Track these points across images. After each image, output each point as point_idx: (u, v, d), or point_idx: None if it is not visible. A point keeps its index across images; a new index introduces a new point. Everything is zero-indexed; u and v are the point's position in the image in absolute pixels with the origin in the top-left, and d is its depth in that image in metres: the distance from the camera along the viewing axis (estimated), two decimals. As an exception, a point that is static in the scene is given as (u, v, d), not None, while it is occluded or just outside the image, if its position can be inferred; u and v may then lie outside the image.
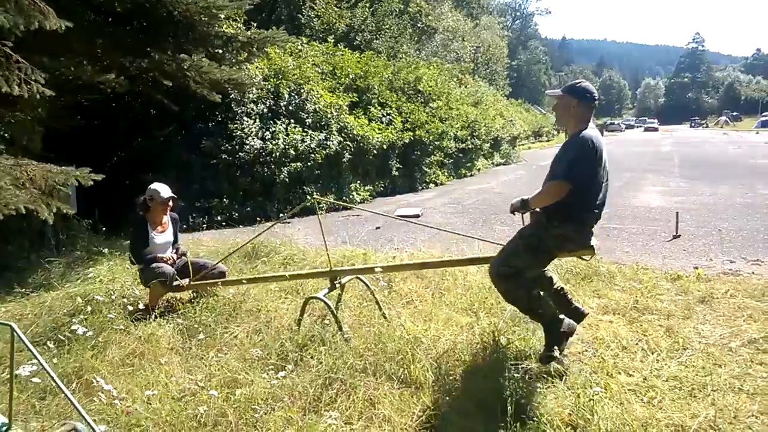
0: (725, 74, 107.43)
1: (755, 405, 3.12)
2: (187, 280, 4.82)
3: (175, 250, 5.02)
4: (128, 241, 7.35)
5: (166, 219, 4.99)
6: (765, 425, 2.94)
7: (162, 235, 4.92)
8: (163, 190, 4.85)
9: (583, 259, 3.66)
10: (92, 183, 4.91)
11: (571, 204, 3.23)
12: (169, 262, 4.82)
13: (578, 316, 3.65)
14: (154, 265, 4.70)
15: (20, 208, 4.19)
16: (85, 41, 6.36)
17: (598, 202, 3.35)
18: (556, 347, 3.37)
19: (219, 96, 7.82)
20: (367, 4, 20.96)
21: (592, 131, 3.30)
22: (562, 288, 3.80)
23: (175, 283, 4.77)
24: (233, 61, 8.36)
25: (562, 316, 3.46)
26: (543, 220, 3.39)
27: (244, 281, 4.82)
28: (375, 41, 20.39)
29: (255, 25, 11.26)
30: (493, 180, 17.13)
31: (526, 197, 3.46)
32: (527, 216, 3.58)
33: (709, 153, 25.33)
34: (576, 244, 3.43)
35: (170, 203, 4.90)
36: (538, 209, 3.46)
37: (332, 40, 16.07)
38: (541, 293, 3.55)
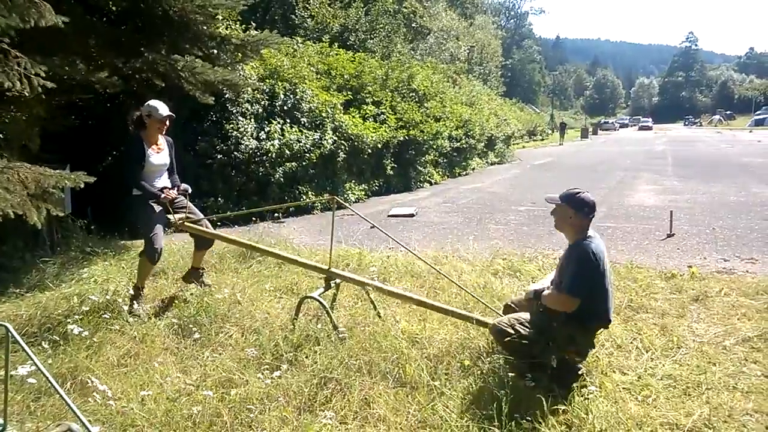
0: (719, 73, 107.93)
1: (750, 403, 3.14)
2: (180, 216, 4.73)
3: (176, 188, 4.83)
4: (123, 241, 7.38)
5: (162, 140, 4.76)
6: (759, 423, 2.96)
7: (158, 156, 4.69)
8: (162, 107, 4.60)
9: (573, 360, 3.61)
10: (83, 185, 4.83)
11: (582, 313, 3.23)
12: (169, 197, 4.65)
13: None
14: (152, 235, 4.51)
15: (8, 213, 4.13)
16: (78, 41, 6.33)
17: (605, 309, 3.33)
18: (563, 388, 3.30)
19: (212, 98, 7.78)
20: (361, 4, 20.87)
21: (591, 241, 3.29)
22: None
23: (168, 215, 4.66)
24: (227, 62, 8.35)
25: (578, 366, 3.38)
26: (559, 325, 3.30)
27: (241, 242, 4.79)
28: (369, 41, 20.31)
29: (254, 26, 11.25)
30: (487, 179, 17.16)
31: (540, 290, 3.46)
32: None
33: (702, 152, 25.45)
34: (577, 347, 3.36)
35: (167, 122, 4.69)
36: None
37: (327, 40, 16.04)
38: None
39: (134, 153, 4.57)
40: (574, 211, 3.33)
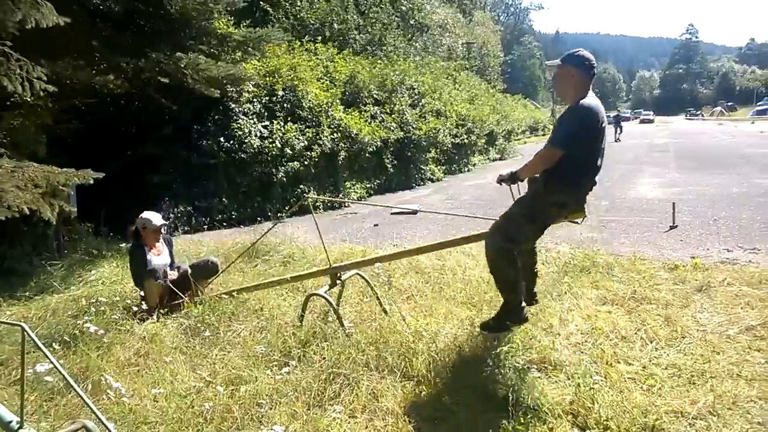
0: (720, 65, 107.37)
1: (753, 390, 3.16)
2: (189, 292, 4.86)
3: (177, 269, 5.05)
4: (129, 243, 7.43)
5: (160, 243, 5.05)
6: (763, 410, 2.99)
7: (159, 258, 4.97)
8: (155, 218, 4.92)
9: (574, 222, 3.67)
10: (93, 181, 4.92)
11: (570, 171, 3.28)
12: (171, 277, 4.86)
13: (530, 300, 3.80)
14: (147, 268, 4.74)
15: (23, 209, 4.21)
16: (82, 44, 6.38)
17: (596, 168, 3.41)
18: (505, 324, 3.51)
19: (217, 91, 7.84)
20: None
21: (591, 99, 3.34)
22: (537, 272, 3.92)
23: (176, 302, 4.77)
24: (229, 60, 8.41)
25: (523, 305, 3.53)
26: (540, 188, 3.39)
27: (247, 289, 4.86)
28: (357, 35, 19.99)
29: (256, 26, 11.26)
30: (489, 175, 17.12)
31: (515, 170, 3.57)
32: (515, 188, 3.65)
33: (704, 144, 25.38)
34: (570, 209, 3.48)
35: (162, 230, 5.01)
36: (536, 176, 3.48)
37: (319, 39, 15.96)
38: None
39: (138, 263, 4.84)
40: (576, 68, 3.38)
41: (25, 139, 5.94)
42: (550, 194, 3.36)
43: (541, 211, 3.42)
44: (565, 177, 3.30)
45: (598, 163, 3.42)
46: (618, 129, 31.75)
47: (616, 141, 28.86)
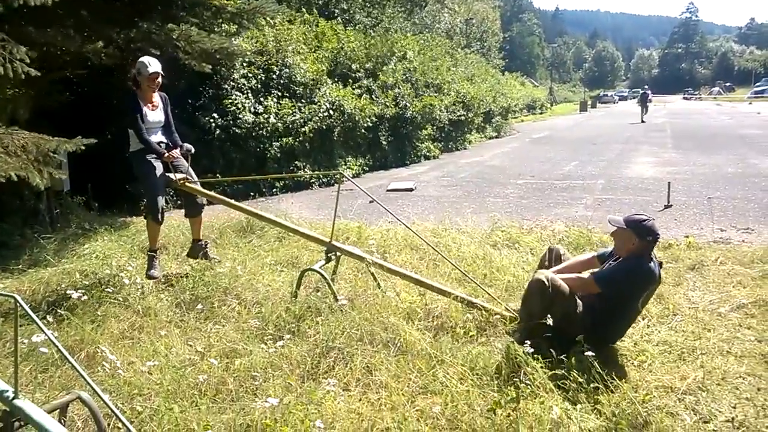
0: (719, 44, 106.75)
1: (743, 367, 3.21)
2: (181, 175, 4.73)
3: (179, 147, 4.80)
4: (122, 218, 7.41)
5: (156, 98, 4.76)
6: (752, 386, 3.04)
7: (154, 113, 4.70)
8: (151, 63, 4.57)
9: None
10: (84, 148, 4.81)
11: (607, 325, 3.30)
12: (173, 156, 4.62)
13: None
14: (153, 194, 4.55)
15: (11, 175, 4.14)
16: (72, 14, 6.26)
17: (622, 333, 3.44)
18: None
19: (209, 66, 7.70)
20: None
21: (654, 265, 3.29)
22: None
23: (169, 174, 4.66)
24: (223, 34, 8.28)
25: None
26: (579, 319, 3.34)
27: (243, 208, 4.84)
28: (358, 12, 19.75)
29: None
30: (486, 153, 17.11)
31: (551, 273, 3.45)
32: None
33: (701, 124, 25.34)
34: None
35: (158, 79, 4.66)
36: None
37: (315, 13, 15.71)
38: None
39: (131, 107, 4.57)
40: (639, 239, 3.29)
41: (4, 105, 5.81)
42: (580, 328, 3.29)
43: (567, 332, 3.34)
44: (599, 331, 3.31)
45: (627, 328, 3.45)
46: (644, 108, 28.67)
47: (642, 122, 26.66)
